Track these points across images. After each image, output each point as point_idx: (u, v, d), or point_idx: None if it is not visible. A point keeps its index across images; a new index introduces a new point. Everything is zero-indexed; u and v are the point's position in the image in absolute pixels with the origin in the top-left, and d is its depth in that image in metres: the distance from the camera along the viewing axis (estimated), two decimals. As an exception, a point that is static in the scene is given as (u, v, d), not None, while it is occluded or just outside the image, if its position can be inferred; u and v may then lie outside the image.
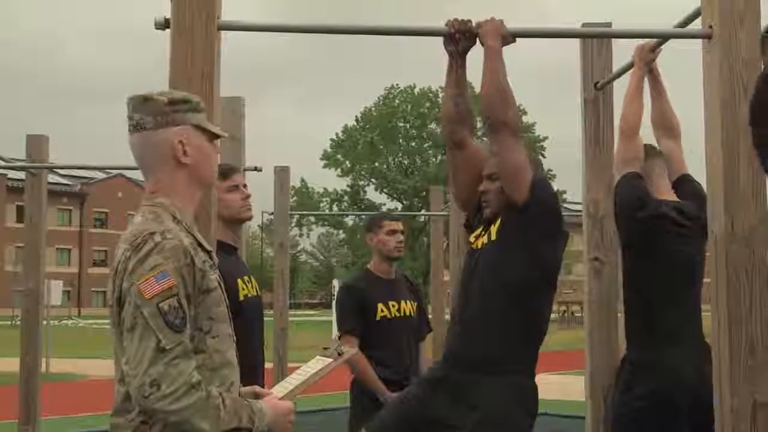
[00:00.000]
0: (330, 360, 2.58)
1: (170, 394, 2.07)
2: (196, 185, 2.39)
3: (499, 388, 3.34)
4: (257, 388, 2.53)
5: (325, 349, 2.65)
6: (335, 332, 2.80)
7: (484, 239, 3.54)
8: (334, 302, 5.26)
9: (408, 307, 5.09)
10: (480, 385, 3.37)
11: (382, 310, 4.97)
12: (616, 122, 4.13)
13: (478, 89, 3.47)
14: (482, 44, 3.30)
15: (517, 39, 3.30)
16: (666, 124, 4.12)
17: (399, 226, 5.13)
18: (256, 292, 3.99)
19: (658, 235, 3.79)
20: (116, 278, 2.20)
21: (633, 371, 3.80)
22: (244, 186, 4.01)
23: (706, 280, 3.07)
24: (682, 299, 3.84)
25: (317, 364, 2.58)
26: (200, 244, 2.31)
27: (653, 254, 3.80)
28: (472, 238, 3.65)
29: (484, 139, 3.60)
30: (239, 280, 3.87)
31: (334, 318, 5.40)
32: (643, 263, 3.82)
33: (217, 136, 2.46)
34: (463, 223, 3.89)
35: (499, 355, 3.40)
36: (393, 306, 5.02)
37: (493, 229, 3.50)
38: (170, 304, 2.12)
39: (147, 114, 2.31)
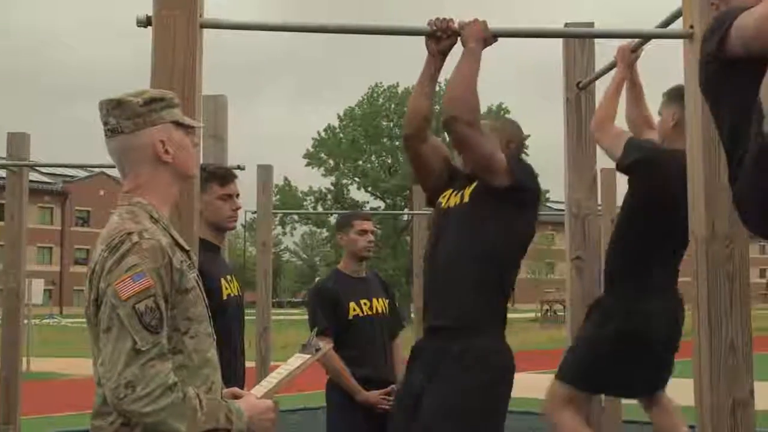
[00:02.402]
0: (307, 356, 2.59)
1: (145, 396, 2.05)
2: (177, 181, 2.37)
3: (468, 356, 3.32)
4: (236, 390, 2.50)
5: (303, 346, 2.66)
6: (314, 331, 2.79)
7: (457, 199, 3.51)
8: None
9: (380, 304, 5.07)
10: (449, 354, 3.34)
11: (354, 309, 4.95)
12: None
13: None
14: (463, 45, 3.29)
15: (503, 38, 3.32)
16: (645, 122, 4.15)
17: (370, 225, 5.11)
18: (238, 291, 3.99)
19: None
20: (93, 279, 2.17)
21: (606, 315, 3.85)
22: (237, 196, 4.01)
23: (687, 279, 3.09)
24: (671, 259, 3.89)
25: (296, 361, 2.58)
26: (178, 244, 2.29)
27: (664, 209, 3.76)
28: (442, 199, 3.61)
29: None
30: (222, 279, 3.87)
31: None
32: (650, 219, 3.82)
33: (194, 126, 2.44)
34: (427, 201, 3.83)
35: (469, 320, 3.37)
36: (365, 304, 5.00)
37: (467, 191, 3.47)
38: (147, 305, 2.09)
39: (123, 118, 2.28)
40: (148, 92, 2.34)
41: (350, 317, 4.92)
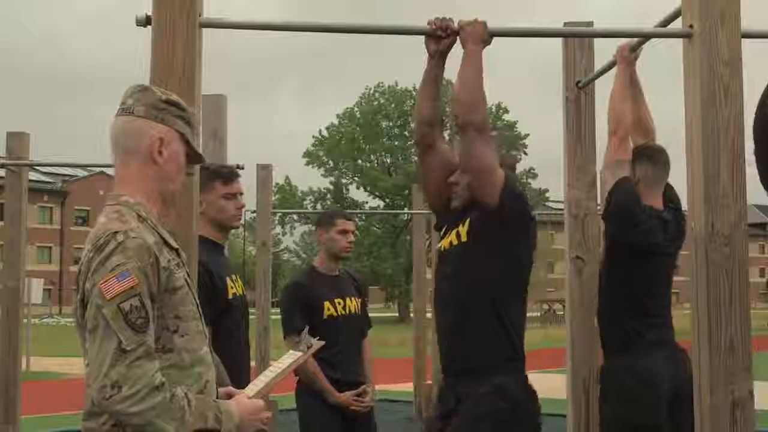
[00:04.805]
0: (299, 353, 2.60)
1: (132, 396, 2.03)
2: (160, 187, 2.35)
3: (485, 394, 3.34)
4: (230, 389, 2.51)
5: (296, 343, 2.66)
6: (306, 328, 2.81)
7: (453, 239, 3.50)
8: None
9: (353, 304, 5.05)
10: (470, 394, 3.37)
11: (328, 308, 4.91)
12: (598, 121, 4.14)
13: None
14: (463, 46, 3.30)
15: (503, 37, 3.32)
16: (642, 126, 4.15)
17: (352, 226, 5.10)
18: (242, 290, 3.99)
19: (651, 246, 3.85)
20: (80, 279, 2.17)
21: (619, 378, 3.86)
22: (240, 194, 4.01)
23: (686, 278, 3.09)
24: (665, 303, 3.94)
25: (289, 358, 2.59)
26: (166, 243, 2.28)
27: (645, 262, 3.86)
28: (440, 240, 3.64)
29: (457, 137, 3.58)
30: (227, 279, 3.87)
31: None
32: (637, 269, 3.87)
33: (198, 159, 2.45)
34: (434, 225, 3.88)
35: (485, 360, 3.39)
36: (339, 303, 4.96)
37: (462, 230, 3.47)
38: (132, 304, 2.08)
39: (140, 102, 2.30)
40: (176, 97, 2.38)
41: (325, 317, 4.88)
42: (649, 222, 3.84)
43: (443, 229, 3.63)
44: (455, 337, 3.46)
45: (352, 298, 5.06)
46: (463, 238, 3.46)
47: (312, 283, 5.01)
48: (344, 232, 5.02)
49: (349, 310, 5.00)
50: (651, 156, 3.99)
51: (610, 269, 3.95)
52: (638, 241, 3.83)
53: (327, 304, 4.91)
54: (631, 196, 3.86)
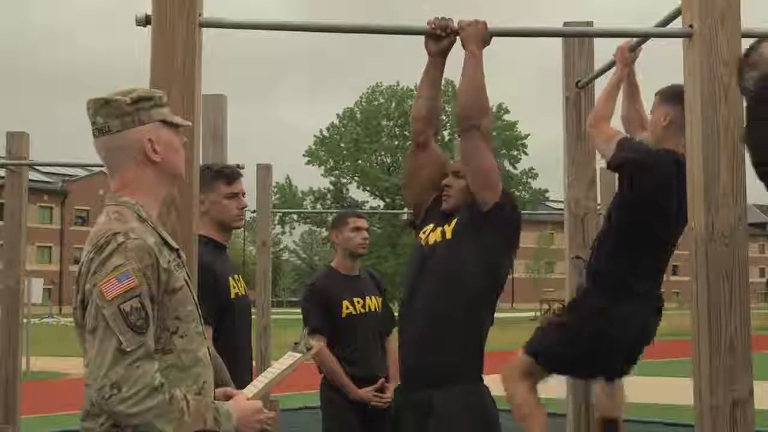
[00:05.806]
0: (299, 355, 2.59)
1: (131, 397, 2.03)
2: (165, 181, 2.35)
3: (453, 399, 3.31)
4: (228, 390, 2.50)
5: (296, 344, 2.66)
6: (305, 330, 2.82)
7: (437, 236, 3.48)
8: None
9: (373, 302, 5.09)
10: (434, 399, 3.32)
11: (347, 307, 4.96)
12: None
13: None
14: (464, 47, 3.30)
15: (504, 37, 3.33)
16: (640, 122, 4.16)
17: (364, 223, 5.16)
18: (244, 290, 3.99)
19: (662, 187, 3.78)
20: (80, 280, 2.16)
21: (587, 315, 3.87)
22: (243, 194, 4.01)
23: (686, 278, 3.09)
24: (656, 262, 3.96)
25: (288, 360, 2.58)
26: (166, 243, 2.27)
27: (664, 209, 3.78)
28: (422, 234, 3.59)
29: (457, 137, 3.58)
30: (230, 278, 3.87)
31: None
32: (637, 220, 3.81)
33: (181, 124, 2.40)
34: (408, 222, 3.84)
35: (451, 365, 3.34)
36: (358, 302, 5.01)
37: (448, 228, 3.45)
38: (132, 305, 2.08)
39: (111, 117, 2.26)
40: (136, 91, 2.32)
41: (344, 316, 4.94)
42: (662, 168, 3.74)
43: (428, 225, 3.57)
44: (428, 339, 3.38)
45: (372, 297, 5.12)
46: (448, 236, 3.44)
47: (330, 283, 5.08)
48: (357, 229, 5.08)
49: (369, 309, 5.06)
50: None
51: (616, 226, 3.89)
52: (652, 188, 3.76)
53: (345, 303, 4.97)
54: (640, 146, 3.85)
